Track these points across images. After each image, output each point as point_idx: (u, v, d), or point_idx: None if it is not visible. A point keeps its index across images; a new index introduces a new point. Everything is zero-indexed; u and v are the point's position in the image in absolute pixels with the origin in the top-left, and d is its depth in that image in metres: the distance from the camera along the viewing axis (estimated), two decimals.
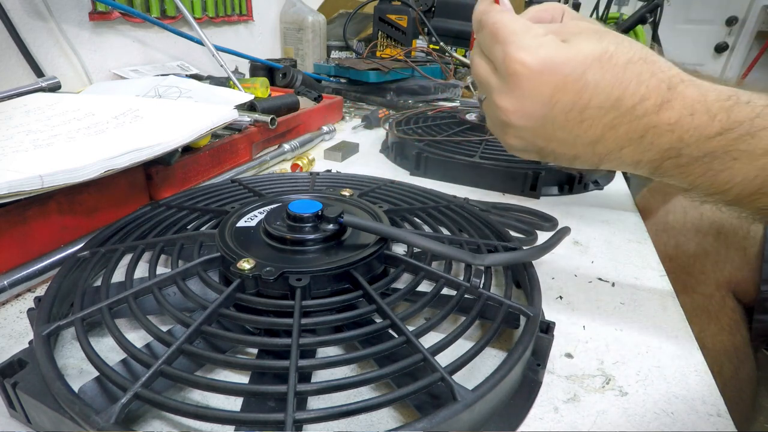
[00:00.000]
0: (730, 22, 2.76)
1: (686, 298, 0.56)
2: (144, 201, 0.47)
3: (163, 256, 0.35)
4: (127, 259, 0.33)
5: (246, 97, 0.64)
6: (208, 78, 0.86)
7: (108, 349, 0.29)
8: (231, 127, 0.60)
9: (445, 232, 0.40)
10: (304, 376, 0.27)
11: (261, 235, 0.34)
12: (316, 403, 0.26)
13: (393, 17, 1.16)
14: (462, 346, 0.26)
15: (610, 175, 0.64)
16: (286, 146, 0.66)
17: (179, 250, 0.34)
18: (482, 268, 0.32)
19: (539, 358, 0.29)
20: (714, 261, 0.58)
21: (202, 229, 0.38)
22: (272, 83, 0.89)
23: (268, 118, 0.61)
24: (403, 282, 0.33)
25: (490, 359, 0.30)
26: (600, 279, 0.41)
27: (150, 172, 0.47)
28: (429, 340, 0.26)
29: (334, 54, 1.29)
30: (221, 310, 0.27)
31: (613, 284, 0.40)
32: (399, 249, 0.38)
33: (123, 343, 0.25)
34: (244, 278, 0.29)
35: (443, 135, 0.66)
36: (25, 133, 0.44)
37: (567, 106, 0.28)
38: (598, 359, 0.31)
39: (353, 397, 0.26)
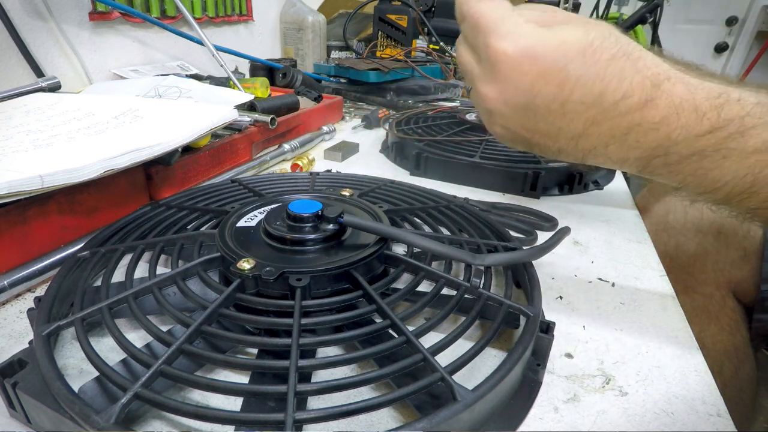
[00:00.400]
0: (730, 22, 2.76)
1: (686, 298, 0.56)
2: (144, 201, 0.47)
3: (163, 256, 0.35)
4: (127, 259, 0.33)
5: (246, 97, 0.64)
6: (208, 78, 0.86)
7: (108, 349, 0.29)
8: (231, 127, 0.60)
9: (445, 232, 0.40)
10: (304, 376, 0.27)
11: (261, 235, 0.34)
12: (316, 403, 0.26)
13: (393, 17, 1.16)
14: (462, 346, 0.26)
15: (610, 175, 0.64)
16: (286, 146, 0.66)
17: (179, 250, 0.34)
18: (482, 268, 0.32)
19: (539, 358, 0.29)
20: (714, 261, 0.58)
21: (202, 229, 0.38)
22: (272, 83, 0.89)
23: (268, 118, 0.61)
24: (403, 282, 0.33)
25: (490, 359, 0.30)
26: (600, 279, 0.41)
27: (150, 172, 0.47)
28: (429, 340, 0.26)
29: (334, 54, 1.29)
30: (221, 310, 0.27)
31: (613, 284, 0.40)
32: (399, 249, 0.38)
33: (123, 343, 0.25)
34: (244, 278, 0.29)
35: (443, 135, 0.66)
36: (25, 133, 0.44)
37: (548, 97, 0.28)
38: (598, 359, 0.31)
39: (353, 397, 0.26)
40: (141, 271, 0.35)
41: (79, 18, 0.78)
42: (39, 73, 0.71)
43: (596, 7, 2.21)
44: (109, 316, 0.27)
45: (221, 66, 0.75)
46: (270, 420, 0.21)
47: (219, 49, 0.81)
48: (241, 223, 0.36)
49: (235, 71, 0.93)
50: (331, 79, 1.07)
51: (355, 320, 0.28)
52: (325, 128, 0.76)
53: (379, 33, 1.19)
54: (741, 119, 0.26)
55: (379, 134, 0.82)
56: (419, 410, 0.24)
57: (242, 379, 0.28)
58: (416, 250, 0.35)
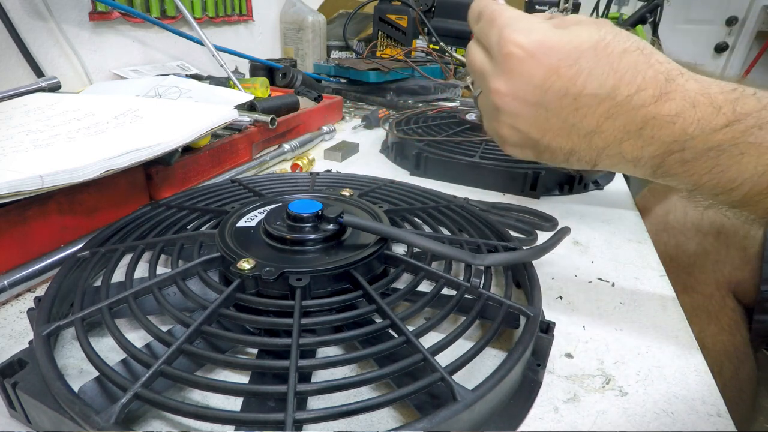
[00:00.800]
0: (730, 22, 2.76)
1: (686, 298, 0.56)
2: (144, 201, 0.47)
3: (163, 256, 0.35)
4: (127, 259, 0.33)
5: (246, 97, 0.64)
6: (208, 78, 0.86)
7: (108, 349, 0.29)
8: (231, 127, 0.60)
9: (445, 232, 0.40)
10: (304, 376, 0.27)
11: (261, 235, 0.34)
12: (316, 403, 0.26)
13: (393, 17, 1.16)
14: (462, 346, 0.26)
15: (610, 175, 0.64)
16: (286, 146, 0.66)
17: (179, 250, 0.34)
18: (482, 268, 0.32)
19: (539, 358, 0.29)
20: (714, 261, 0.58)
21: (202, 229, 0.38)
22: (272, 83, 0.89)
23: (268, 118, 0.61)
24: (403, 282, 0.33)
25: (490, 359, 0.30)
26: (600, 279, 0.41)
27: (150, 172, 0.47)
28: (429, 340, 0.26)
29: (334, 54, 1.29)
30: (221, 310, 0.27)
31: (613, 284, 0.40)
32: (399, 249, 0.38)
33: (123, 343, 0.25)
34: (244, 278, 0.29)
35: (443, 135, 0.66)
36: (25, 133, 0.44)
37: (560, 91, 0.28)
38: (598, 359, 0.31)
39: (353, 397, 0.26)
40: (141, 271, 0.35)
41: (79, 18, 0.78)
42: (39, 73, 0.71)
43: (596, 7, 2.21)
44: (109, 316, 0.27)
45: (221, 66, 0.75)
46: (270, 420, 0.21)
47: (219, 49, 0.81)
48: (241, 223, 0.36)
49: (235, 71, 0.93)
50: (331, 79, 1.07)
51: (355, 320, 0.28)
52: (325, 128, 0.76)
53: (379, 33, 1.19)
54: (758, 112, 0.25)
55: (379, 134, 0.82)
56: (419, 410, 0.24)
57: (242, 379, 0.28)
58: (416, 250, 0.35)
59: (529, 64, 0.28)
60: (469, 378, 0.28)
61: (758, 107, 0.25)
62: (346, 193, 0.42)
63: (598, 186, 0.60)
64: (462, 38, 1.19)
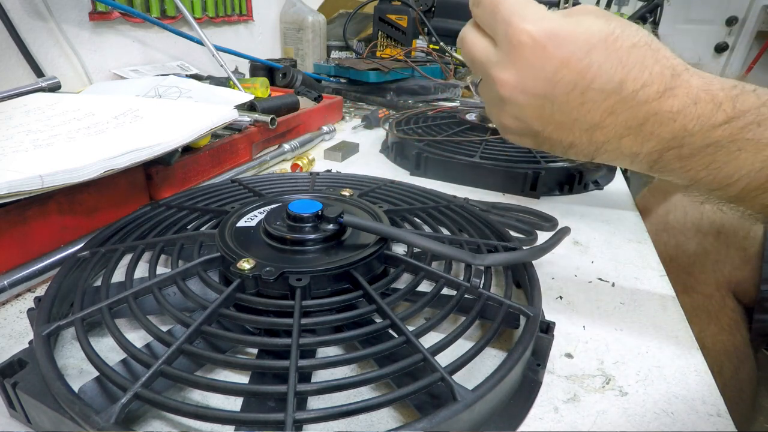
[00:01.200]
0: (730, 22, 2.75)
1: (686, 298, 0.56)
2: (144, 201, 0.47)
3: (163, 256, 0.35)
4: (127, 259, 0.33)
5: (246, 97, 0.64)
6: (208, 78, 0.86)
7: (108, 349, 0.29)
8: (231, 127, 0.60)
9: (445, 232, 0.40)
10: (304, 376, 0.27)
11: (261, 235, 0.34)
12: (316, 403, 0.26)
13: (393, 17, 1.16)
14: (462, 346, 0.26)
15: (610, 175, 0.64)
16: (286, 146, 0.66)
17: (179, 250, 0.34)
18: (482, 268, 0.32)
19: (539, 358, 0.29)
20: (714, 261, 0.58)
21: (202, 229, 0.38)
22: (272, 83, 0.89)
23: (268, 118, 0.61)
24: (403, 282, 0.33)
25: (490, 359, 0.30)
26: (600, 279, 0.41)
27: (150, 172, 0.47)
28: (429, 340, 0.26)
29: (334, 54, 1.29)
30: (221, 310, 0.27)
31: (613, 284, 0.40)
32: (399, 249, 0.38)
33: (123, 343, 0.25)
34: (244, 278, 0.29)
35: (443, 135, 0.66)
36: (25, 133, 0.44)
37: (569, 85, 0.27)
38: (598, 359, 0.31)
39: (353, 397, 0.26)
40: (141, 271, 0.35)
41: (79, 18, 0.78)
42: (39, 73, 0.71)
43: None
44: (109, 316, 0.27)
45: (221, 66, 0.75)
46: (270, 420, 0.21)
47: (219, 49, 0.81)
48: (241, 223, 0.36)
49: (235, 71, 0.93)
50: (331, 79, 1.07)
51: (355, 320, 0.28)
52: (325, 128, 0.76)
53: (379, 33, 1.19)
54: (757, 110, 0.25)
55: (379, 134, 0.82)
56: (419, 410, 0.24)
57: (242, 379, 0.28)
58: (416, 250, 0.35)
59: (540, 55, 0.27)
60: (469, 378, 0.28)
61: (757, 104, 0.25)
62: (346, 193, 0.42)
63: (598, 186, 0.60)
64: None
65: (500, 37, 0.28)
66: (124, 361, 0.27)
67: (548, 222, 0.48)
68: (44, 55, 0.74)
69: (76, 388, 0.23)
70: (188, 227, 0.39)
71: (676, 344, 0.33)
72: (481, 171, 0.58)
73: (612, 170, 0.64)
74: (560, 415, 0.27)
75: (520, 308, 0.29)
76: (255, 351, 0.30)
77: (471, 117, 0.74)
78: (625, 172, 0.67)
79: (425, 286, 0.32)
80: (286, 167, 0.64)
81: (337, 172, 0.54)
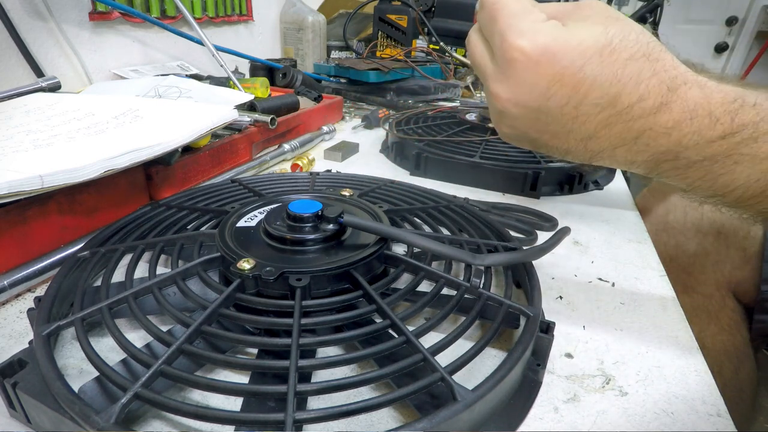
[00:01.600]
0: (730, 22, 2.75)
1: (686, 298, 0.56)
2: (144, 201, 0.47)
3: (163, 256, 0.35)
4: (127, 259, 0.33)
5: (246, 97, 0.64)
6: (208, 78, 0.86)
7: (108, 349, 0.29)
8: (231, 127, 0.60)
9: (445, 232, 0.40)
10: (304, 376, 0.27)
11: (261, 235, 0.34)
12: (316, 403, 0.26)
13: (393, 17, 1.16)
14: (462, 346, 0.26)
15: (610, 175, 0.64)
16: (286, 146, 0.66)
17: (179, 250, 0.34)
18: (482, 268, 0.32)
19: (539, 358, 0.29)
20: (714, 261, 0.58)
21: (202, 229, 0.38)
22: (272, 83, 0.89)
23: (268, 118, 0.61)
24: (403, 282, 0.33)
25: (490, 359, 0.30)
26: (600, 279, 0.41)
27: (150, 172, 0.47)
28: (429, 340, 0.26)
29: (334, 54, 1.29)
30: (221, 310, 0.27)
31: (613, 284, 0.40)
32: (399, 249, 0.38)
33: (123, 343, 0.25)
34: (244, 278, 0.29)
35: (443, 135, 0.66)
36: (25, 133, 0.44)
37: (563, 99, 0.27)
38: (598, 359, 0.31)
39: (353, 397, 0.26)
40: (141, 271, 0.35)
41: (79, 18, 0.78)
42: (39, 73, 0.71)
43: None
44: (109, 316, 0.27)
45: (221, 66, 0.75)
46: (270, 420, 0.21)
47: (219, 49, 0.81)
48: (241, 223, 0.36)
49: (235, 71, 0.93)
50: (331, 79, 1.07)
51: (355, 320, 0.28)
52: (325, 128, 0.76)
53: (379, 33, 1.19)
54: (755, 125, 0.25)
55: (379, 134, 0.82)
56: (419, 410, 0.24)
57: (242, 379, 0.28)
58: (416, 250, 0.35)
59: (532, 72, 0.27)
60: (469, 378, 0.28)
61: (755, 119, 0.25)
62: (346, 193, 0.42)
63: (598, 186, 0.60)
64: (462, 38, 1.19)
65: (496, 49, 0.28)
66: (124, 361, 0.27)
67: (548, 222, 0.48)
68: (44, 55, 0.74)
69: (76, 388, 0.23)
70: (188, 227, 0.39)
71: (676, 344, 0.33)
72: (481, 171, 0.58)
73: (612, 170, 0.64)
74: (560, 415, 0.27)
75: (520, 308, 0.29)
76: (255, 351, 0.30)
77: (471, 117, 0.74)
78: (625, 172, 0.67)
79: (425, 286, 0.32)
80: (286, 167, 0.64)
81: (337, 172, 0.54)
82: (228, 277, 0.31)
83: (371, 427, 0.26)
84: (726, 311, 0.57)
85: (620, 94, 0.26)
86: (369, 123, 0.84)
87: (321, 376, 0.28)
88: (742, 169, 0.26)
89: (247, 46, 1.15)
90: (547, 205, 0.54)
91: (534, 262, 0.35)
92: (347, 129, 0.85)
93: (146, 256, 0.35)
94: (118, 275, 0.32)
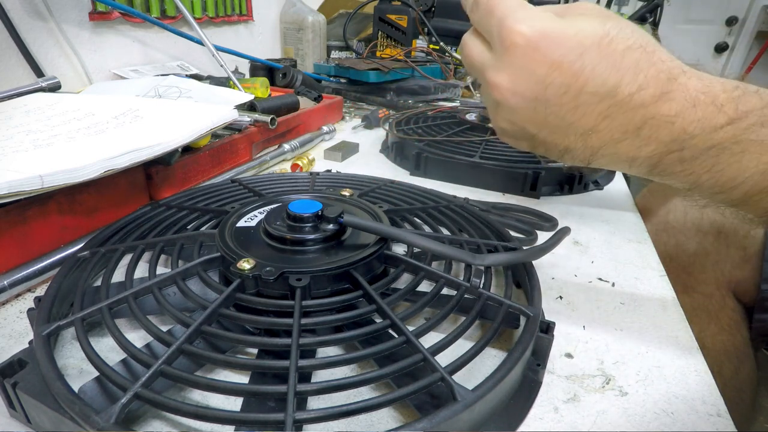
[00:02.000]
0: (730, 22, 2.75)
1: (686, 298, 0.56)
2: (144, 201, 0.47)
3: (163, 256, 0.35)
4: (127, 259, 0.33)
5: (246, 97, 0.64)
6: (208, 78, 0.86)
7: (108, 349, 0.29)
8: (231, 127, 0.60)
9: (445, 232, 0.40)
10: (304, 376, 0.27)
11: (261, 235, 0.34)
12: (316, 403, 0.26)
13: (393, 17, 1.16)
14: (462, 346, 0.26)
15: (610, 175, 0.64)
16: (286, 146, 0.66)
17: (179, 250, 0.34)
18: (482, 268, 0.32)
19: (539, 358, 0.29)
20: (714, 261, 0.58)
21: (202, 229, 0.38)
22: (272, 83, 0.89)
23: (268, 118, 0.61)
24: (403, 282, 0.33)
25: (490, 359, 0.30)
26: (600, 279, 0.41)
27: (150, 172, 0.47)
28: (429, 340, 0.26)
29: (334, 54, 1.29)
30: (221, 310, 0.27)
31: (613, 284, 0.40)
32: (399, 249, 0.38)
33: (123, 343, 0.25)
34: (244, 278, 0.29)
35: (443, 135, 0.66)
36: (25, 133, 0.44)
37: (561, 88, 0.27)
38: (598, 359, 0.31)
39: (353, 397, 0.26)
40: (141, 271, 0.35)
41: (79, 18, 0.78)
42: (39, 73, 0.71)
43: None
44: (109, 316, 0.27)
45: (221, 66, 0.75)
46: (270, 420, 0.21)
47: (219, 49, 0.81)
48: (241, 223, 0.36)
49: (235, 71, 0.93)
50: (331, 79, 1.07)
51: (355, 320, 0.28)
52: (325, 128, 0.76)
53: (379, 33, 1.19)
54: (761, 110, 0.25)
55: (379, 134, 0.82)
56: (419, 410, 0.24)
57: (242, 379, 0.28)
58: (416, 250, 0.35)
59: (531, 57, 0.27)
60: (469, 378, 0.28)
61: (760, 104, 0.25)
62: (346, 193, 0.42)
63: (598, 186, 0.60)
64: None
65: (494, 38, 0.28)
66: (124, 361, 0.27)
67: (548, 222, 0.48)
68: (44, 55, 0.74)
69: (76, 388, 0.23)
70: (188, 227, 0.39)
71: (676, 344, 0.33)
72: (481, 171, 0.58)
73: (612, 170, 0.64)
74: (560, 415, 0.27)
75: (520, 308, 0.29)
76: (255, 351, 0.30)
77: (471, 117, 0.74)
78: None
79: (425, 286, 0.32)
80: (286, 167, 0.64)
81: (337, 172, 0.54)
82: (228, 277, 0.31)
83: (371, 427, 0.26)
84: (726, 311, 0.57)
85: (619, 84, 0.26)
86: (369, 123, 0.84)
87: (321, 376, 0.28)
88: (750, 157, 0.26)
89: (247, 46, 1.15)
90: (547, 205, 0.54)
91: (534, 262, 0.35)
92: (347, 129, 0.85)
93: (146, 256, 0.35)
94: (118, 275, 0.32)
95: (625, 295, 0.38)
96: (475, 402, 0.23)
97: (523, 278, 0.35)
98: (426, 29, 1.16)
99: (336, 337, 0.26)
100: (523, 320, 0.29)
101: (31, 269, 0.36)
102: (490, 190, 0.58)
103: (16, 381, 0.24)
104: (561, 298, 0.38)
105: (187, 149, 0.52)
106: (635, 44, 0.26)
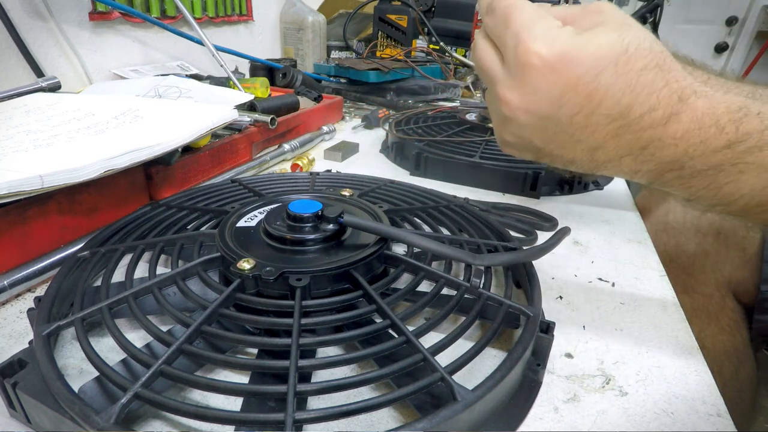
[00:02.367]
0: (730, 22, 2.75)
1: (686, 298, 0.56)
2: (144, 201, 0.47)
3: (163, 256, 0.35)
4: (127, 259, 0.33)
5: (246, 97, 0.64)
6: (208, 78, 0.86)
7: (108, 349, 0.29)
8: (231, 127, 0.60)
9: (445, 232, 0.40)
10: (304, 376, 0.27)
11: (261, 235, 0.34)
12: (316, 403, 0.26)
13: (393, 17, 1.16)
14: (462, 346, 0.26)
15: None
16: (286, 146, 0.66)
17: (179, 250, 0.34)
18: (482, 268, 0.32)
19: (539, 358, 0.29)
20: (714, 261, 0.58)
21: (202, 229, 0.38)
22: (272, 83, 0.89)
23: (268, 118, 0.61)
24: (403, 282, 0.33)
25: (490, 359, 0.30)
26: (600, 279, 0.41)
27: (150, 172, 0.47)
28: (429, 340, 0.26)
29: (334, 54, 1.29)
30: (221, 310, 0.27)
31: (613, 284, 0.40)
32: (399, 249, 0.38)
33: (123, 343, 0.25)
34: (244, 278, 0.29)
35: (443, 135, 0.66)
36: (25, 133, 0.44)
37: (574, 108, 0.26)
38: (598, 359, 0.31)
39: (353, 397, 0.26)
40: (141, 271, 0.35)
41: (79, 18, 0.78)
42: (39, 73, 0.71)
43: None
44: (109, 316, 0.27)
45: (221, 66, 0.75)
46: (270, 420, 0.21)
47: (219, 49, 0.81)
48: (241, 223, 0.36)
49: (235, 71, 0.93)
50: (331, 79, 1.07)
51: (355, 320, 0.28)
52: (325, 128, 0.76)
53: (379, 33, 1.19)
54: (760, 133, 0.25)
55: (379, 134, 0.82)
56: (419, 410, 0.24)
57: (242, 379, 0.28)
58: (416, 250, 0.35)
59: (548, 79, 0.26)
60: (469, 378, 0.28)
61: (760, 128, 0.25)
62: (346, 193, 0.42)
63: (598, 186, 0.60)
64: (462, 38, 1.19)
65: (509, 53, 0.27)
66: (124, 361, 0.27)
67: (548, 222, 0.48)
68: (44, 55, 0.74)
69: (76, 388, 0.23)
70: (188, 227, 0.39)
71: (676, 344, 0.33)
72: (481, 171, 0.58)
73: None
74: (560, 415, 0.27)
75: (520, 308, 0.29)
76: (255, 351, 0.30)
77: (471, 117, 0.74)
78: None
79: (425, 286, 0.32)
80: (286, 167, 0.64)
81: (337, 172, 0.54)
82: (228, 277, 0.31)
83: (371, 427, 0.26)
84: (726, 311, 0.57)
85: (632, 105, 0.26)
86: (369, 123, 0.84)
87: (321, 376, 0.28)
88: (747, 178, 0.26)
89: (247, 46, 1.15)
90: (547, 205, 0.54)
91: (534, 262, 0.35)
92: (347, 129, 0.85)
93: (146, 256, 0.35)
94: (118, 275, 0.32)
95: (625, 295, 0.38)
96: (475, 402, 0.23)
97: (523, 278, 0.35)
98: (426, 29, 1.16)
99: (336, 337, 0.26)
100: (523, 320, 0.29)
101: (31, 269, 0.36)
102: (490, 190, 0.58)
103: (16, 381, 0.24)
104: (561, 298, 0.38)
105: (187, 149, 0.52)
106: (651, 63, 0.25)
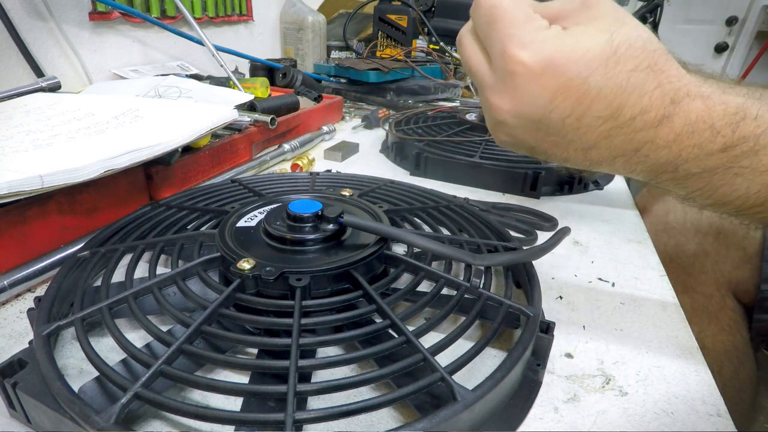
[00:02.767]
0: (730, 22, 2.75)
1: (686, 298, 0.56)
2: (144, 201, 0.47)
3: (163, 256, 0.35)
4: (127, 259, 0.33)
5: (246, 97, 0.64)
6: (208, 78, 0.86)
7: (108, 349, 0.29)
8: (231, 127, 0.60)
9: (445, 232, 0.40)
10: (304, 376, 0.27)
11: (261, 235, 0.34)
12: (316, 403, 0.26)
13: (393, 17, 1.16)
14: (462, 346, 0.26)
15: (610, 175, 0.64)
16: (286, 146, 0.66)
17: (179, 250, 0.34)
18: (482, 268, 0.32)
19: (539, 358, 0.29)
20: (714, 261, 0.58)
21: (202, 229, 0.38)
22: (272, 83, 0.89)
23: (268, 118, 0.61)
24: (403, 282, 0.33)
25: (490, 359, 0.30)
26: (600, 279, 0.41)
27: (150, 172, 0.47)
28: (429, 340, 0.26)
29: (334, 54, 1.29)
30: (221, 310, 0.27)
31: (613, 284, 0.40)
32: (399, 249, 0.38)
33: (123, 343, 0.25)
34: (244, 278, 0.29)
35: (443, 135, 0.66)
36: (25, 133, 0.44)
37: (565, 111, 0.26)
38: (598, 359, 0.31)
39: (353, 397, 0.26)
40: (141, 271, 0.35)
41: (79, 18, 0.78)
42: (39, 73, 0.71)
43: None
44: (109, 316, 0.27)
45: (221, 66, 0.75)
46: (270, 420, 0.21)
47: (219, 49, 0.81)
48: (241, 223, 0.36)
49: (235, 71, 0.93)
50: (331, 79, 1.07)
51: (355, 320, 0.28)
52: (325, 128, 0.76)
53: (379, 33, 1.19)
54: (756, 137, 0.25)
55: (379, 134, 0.82)
56: (419, 410, 0.24)
57: (242, 379, 0.28)
58: (416, 250, 0.35)
59: (535, 84, 0.26)
60: (469, 378, 0.28)
61: (756, 132, 0.25)
62: (346, 193, 0.42)
63: (598, 186, 0.60)
64: None
65: (495, 57, 0.27)
66: (124, 361, 0.27)
67: (548, 222, 0.48)
68: (44, 55, 0.74)
69: (76, 388, 0.23)
70: (188, 227, 0.39)
71: (676, 344, 0.33)
72: (481, 171, 0.58)
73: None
74: (560, 415, 0.27)
75: (520, 308, 0.29)
76: (255, 351, 0.30)
77: (471, 117, 0.74)
78: None
79: (425, 286, 0.32)
80: (286, 167, 0.64)
81: (337, 172, 0.54)
82: (228, 277, 0.31)
83: (371, 427, 0.26)
84: (726, 311, 0.57)
85: (623, 106, 0.25)
86: (369, 123, 0.84)
87: (321, 376, 0.28)
88: (742, 181, 0.26)
89: (247, 46, 1.15)
90: (547, 205, 0.54)
91: (534, 262, 0.35)
92: (347, 129, 0.85)
93: (146, 256, 0.35)
94: (118, 275, 0.32)
95: (625, 296, 0.38)
96: (475, 402, 0.23)
97: (523, 278, 0.35)
98: (426, 29, 1.16)
99: (336, 337, 0.26)
100: (523, 320, 0.29)
101: (31, 269, 0.36)
102: (490, 190, 0.58)
103: (16, 381, 0.24)
104: (561, 298, 0.38)
105: (187, 149, 0.52)
106: (643, 63, 0.25)
